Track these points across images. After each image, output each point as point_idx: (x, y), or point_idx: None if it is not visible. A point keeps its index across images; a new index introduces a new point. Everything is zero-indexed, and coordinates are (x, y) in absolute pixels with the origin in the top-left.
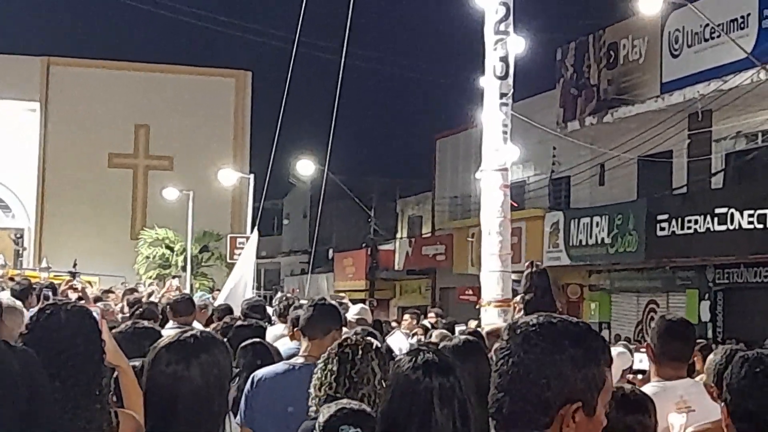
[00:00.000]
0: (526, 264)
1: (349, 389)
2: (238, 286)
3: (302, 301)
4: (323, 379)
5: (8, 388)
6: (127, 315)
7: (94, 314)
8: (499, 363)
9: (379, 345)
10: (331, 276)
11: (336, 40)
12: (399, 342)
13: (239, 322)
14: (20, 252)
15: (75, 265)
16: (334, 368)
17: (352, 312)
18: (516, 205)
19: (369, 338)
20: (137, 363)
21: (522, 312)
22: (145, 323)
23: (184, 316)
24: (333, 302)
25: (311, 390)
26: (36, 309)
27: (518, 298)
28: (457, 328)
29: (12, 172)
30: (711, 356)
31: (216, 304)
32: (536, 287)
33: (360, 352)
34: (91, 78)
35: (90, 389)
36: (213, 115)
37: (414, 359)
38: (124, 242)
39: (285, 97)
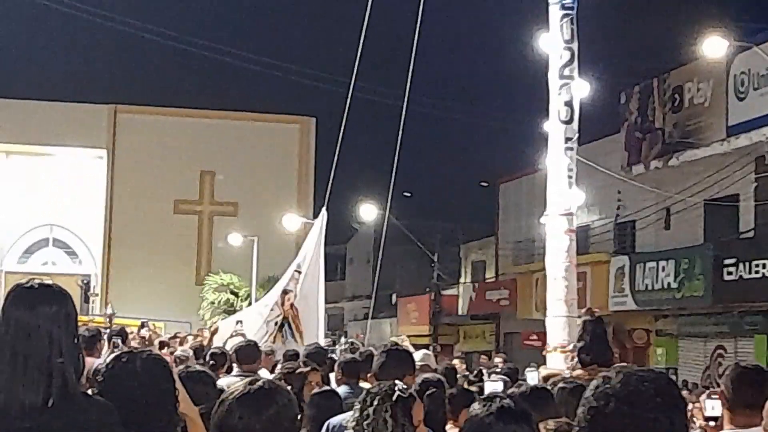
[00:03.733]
0: (582, 311)
1: None
2: (308, 281)
3: (342, 345)
4: (350, 424)
5: None
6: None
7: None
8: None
9: (403, 393)
10: (394, 321)
11: (398, 85)
12: (497, 387)
13: (300, 369)
14: (89, 298)
15: (143, 326)
16: (356, 416)
17: (417, 358)
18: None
19: (398, 385)
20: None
21: (576, 360)
22: (197, 367)
23: (249, 363)
24: (406, 348)
25: None
26: (109, 356)
27: (571, 345)
28: (528, 374)
29: (79, 219)
30: None
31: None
32: (591, 335)
33: (375, 402)
34: (157, 125)
35: None
36: (277, 161)
37: (489, 405)
38: (189, 288)
39: (340, 141)
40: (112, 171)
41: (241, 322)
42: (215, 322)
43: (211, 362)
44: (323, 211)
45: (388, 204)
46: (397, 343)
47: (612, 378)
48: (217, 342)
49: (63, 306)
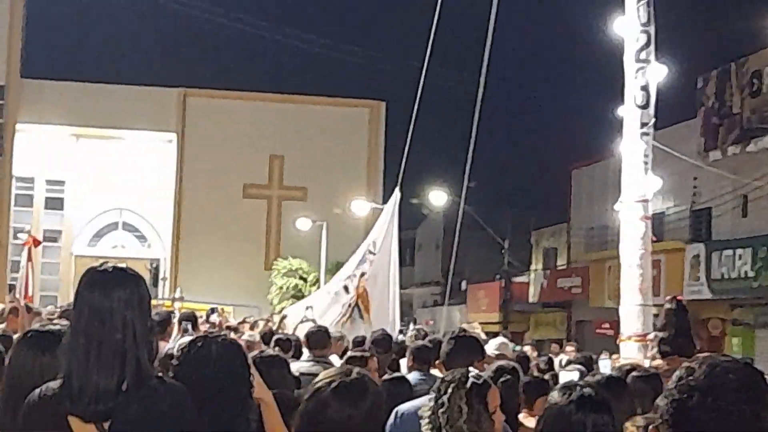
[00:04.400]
0: (667, 299)
1: (439, 429)
2: (379, 261)
3: (411, 331)
4: (425, 412)
5: (157, 424)
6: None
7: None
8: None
9: (477, 380)
10: (464, 308)
11: (471, 68)
12: (573, 376)
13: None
14: (158, 282)
15: (212, 312)
16: (431, 405)
17: (491, 346)
18: (655, 238)
19: (472, 372)
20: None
21: (656, 350)
22: (270, 352)
23: (320, 349)
24: (473, 334)
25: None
26: (180, 340)
27: (652, 335)
28: (601, 362)
29: (148, 203)
30: None
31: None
32: (674, 326)
33: (450, 389)
34: (226, 109)
35: (238, 424)
36: (347, 146)
37: (569, 393)
38: (258, 273)
39: (413, 124)
40: (182, 155)
41: (311, 307)
42: (284, 308)
43: (276, 348)
44: (396, 191)
45: (465, 190)
46: (464, 330)
47: (695, 369)
48: (288, 328)
49: (136, 289)
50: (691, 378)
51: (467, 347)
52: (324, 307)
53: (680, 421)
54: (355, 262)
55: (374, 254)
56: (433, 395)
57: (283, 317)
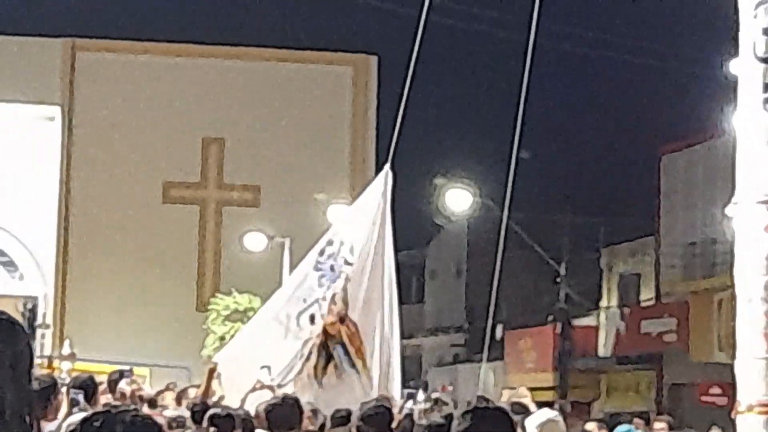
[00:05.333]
0: None
1: None
2: (370, 278)
3: (420, 403)
4: None
5: None
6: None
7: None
8: None
9: None
10: (500, 366)
11: (514, 9)
12: None
13: None
14: (36, 330)
15: (122, 376)
16: None
17: (532, 424)
18: None
19: None
20: None
21: None
22: None
23: (287, 430)
24: (499, 405)
25: None
26: (75, 419)
27: None
28: None
29: (20, 214)
30: None
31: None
32: None
33: None
34: (136, 69)
35: None
36: (320, 123)
37: None
38: (187, 316)
39: (409, 83)
40: (69, 140)
41: (268, 368)
42: (210, 356)
43: (212, 429)
44: (386, 168)
45: (509, 187)
46: (487, 399)
47: None
48: (233, 396)
49: (10, 344)
50: None
51: (490, 426)
52: (286, 361)
53: None
54: (314, 277)
55: (351, 264)
56: None
57: (212, 372)
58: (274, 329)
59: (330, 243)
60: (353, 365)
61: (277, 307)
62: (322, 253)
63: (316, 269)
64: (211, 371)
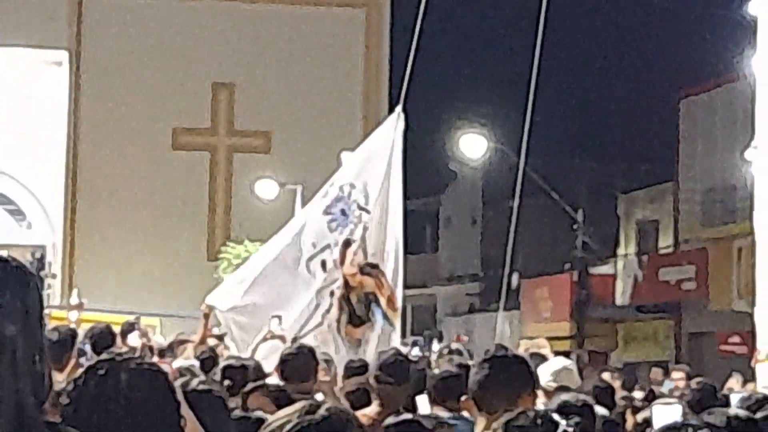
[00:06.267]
0: None
1: None
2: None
3: (435, 353)
4: None
5: None
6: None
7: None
8: None
9: (569, 428)
10: (516, 315)
11: None
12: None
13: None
14: (44, 280)
15: (132, 326)
16: None
17: (546, 372)
18: None
19: (555, 417)
20: None
21: None
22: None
23: (300, 381)
24: (518, 353)
25: None
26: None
27: None
28: (733, 397)
29: (27, 162)
30: None
31: None
32: None
33: None
34: (145, 13)
35: None
36: (332, 67)
37: None
38: (197, 265)
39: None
40: (77, 85)
41: (279, 317)
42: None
43: (227, 382)
44: (398, 109)
45: (526, 131)
46: (505, 347)
47: None
48: (232, 342)
49: (21, 294)
50: None
51: (510, 375)
52: (297, 311)
53: None
54: (323, 221)
55: (368, 212)
56: None
57: (207, 317)
58: (280, 275)
59: (338, 187)
60: (386, 317)
61: (278, 251)
62: (329, 196)
63: (326, 213)
64: (206, 316)
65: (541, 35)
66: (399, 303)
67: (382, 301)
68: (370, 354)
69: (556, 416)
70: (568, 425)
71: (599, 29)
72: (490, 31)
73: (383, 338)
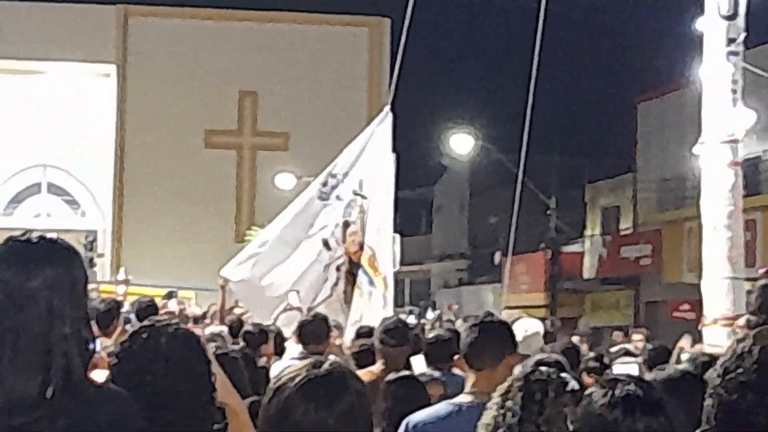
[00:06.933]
0: (761, 271)
1: None
2: (380, 210)
3: (429, 320)
4: (500, 419)
5: None
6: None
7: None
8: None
9: (576, 385)
10: (497, 288)
11: None
12: (629, 370)
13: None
14: (93, 260)
15: (170, 297)
16: (517, 407)
17: (518, 333)
18: (748, 191)
19: (563, 375)
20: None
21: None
22: (234, 347)
23: (316, 343)
24: (502, 319)
25: None
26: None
27: (743, 320)
28: (684, 356)
29: (80, 158)
30: None
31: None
32: None
33: (551, 392)
34: (182, 32)
35: None
36: (341, 78)
37: (610, 393)
38: (226, 246)
39: (403, 45)
40: (123, 94)
41: (297, 291)
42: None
43: (244, 344)
44: (386, 109)
45: (526, 126)
46: (492, 314)
47: (745, 357)
48: (260, 313)
49: (69, 268)
50: (740, 371)
51: (496, 337)
52: (307, 283)
53: (731, 427)
54: (319, 205)
55: (364, 198)
56: (497, 400)
57: (223, 288)
58: (281, 252)
59: (332, 176)
60: (372, 283)
61: (280, 230)
62: (325, 184)
63: (321, 198)
64: (222, 288)
65: (538, 50)
66: (384, 270)
67: (370, 270)
68: (354, 312)
69: (564, 375)
70: (573, 386)
71: (569, 43)
72: (477, 47)
73: (366, 298)
